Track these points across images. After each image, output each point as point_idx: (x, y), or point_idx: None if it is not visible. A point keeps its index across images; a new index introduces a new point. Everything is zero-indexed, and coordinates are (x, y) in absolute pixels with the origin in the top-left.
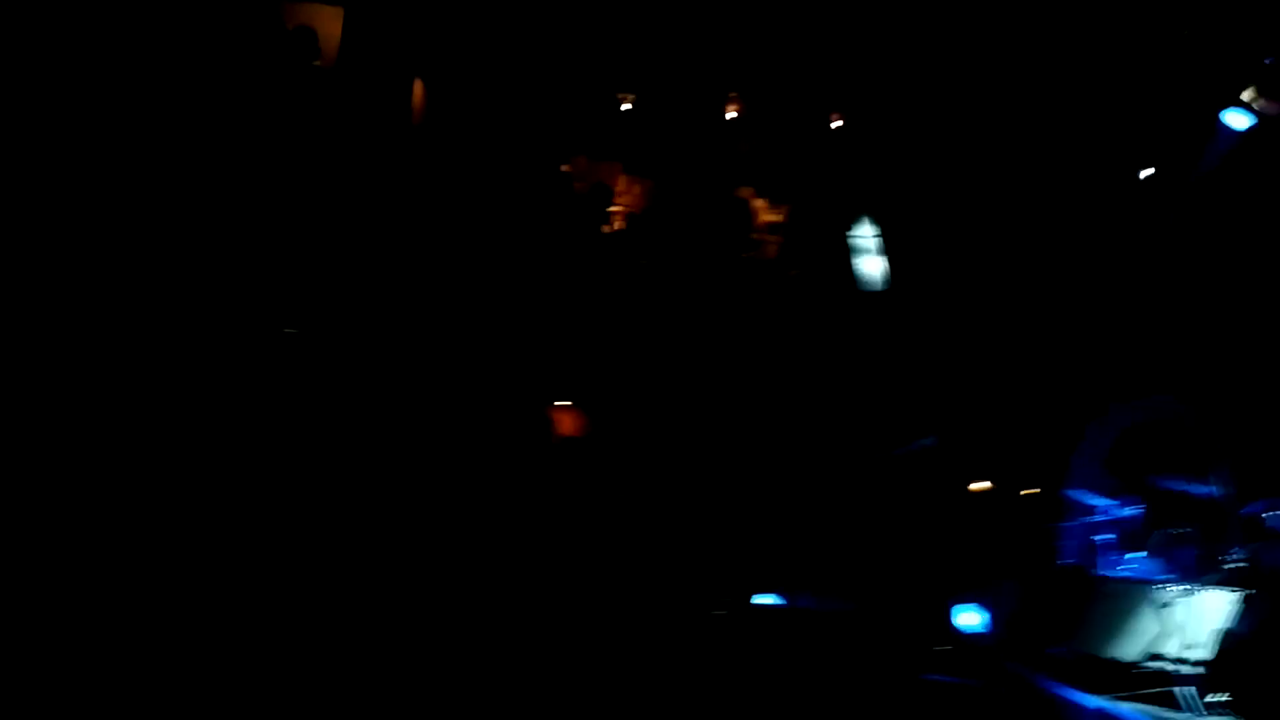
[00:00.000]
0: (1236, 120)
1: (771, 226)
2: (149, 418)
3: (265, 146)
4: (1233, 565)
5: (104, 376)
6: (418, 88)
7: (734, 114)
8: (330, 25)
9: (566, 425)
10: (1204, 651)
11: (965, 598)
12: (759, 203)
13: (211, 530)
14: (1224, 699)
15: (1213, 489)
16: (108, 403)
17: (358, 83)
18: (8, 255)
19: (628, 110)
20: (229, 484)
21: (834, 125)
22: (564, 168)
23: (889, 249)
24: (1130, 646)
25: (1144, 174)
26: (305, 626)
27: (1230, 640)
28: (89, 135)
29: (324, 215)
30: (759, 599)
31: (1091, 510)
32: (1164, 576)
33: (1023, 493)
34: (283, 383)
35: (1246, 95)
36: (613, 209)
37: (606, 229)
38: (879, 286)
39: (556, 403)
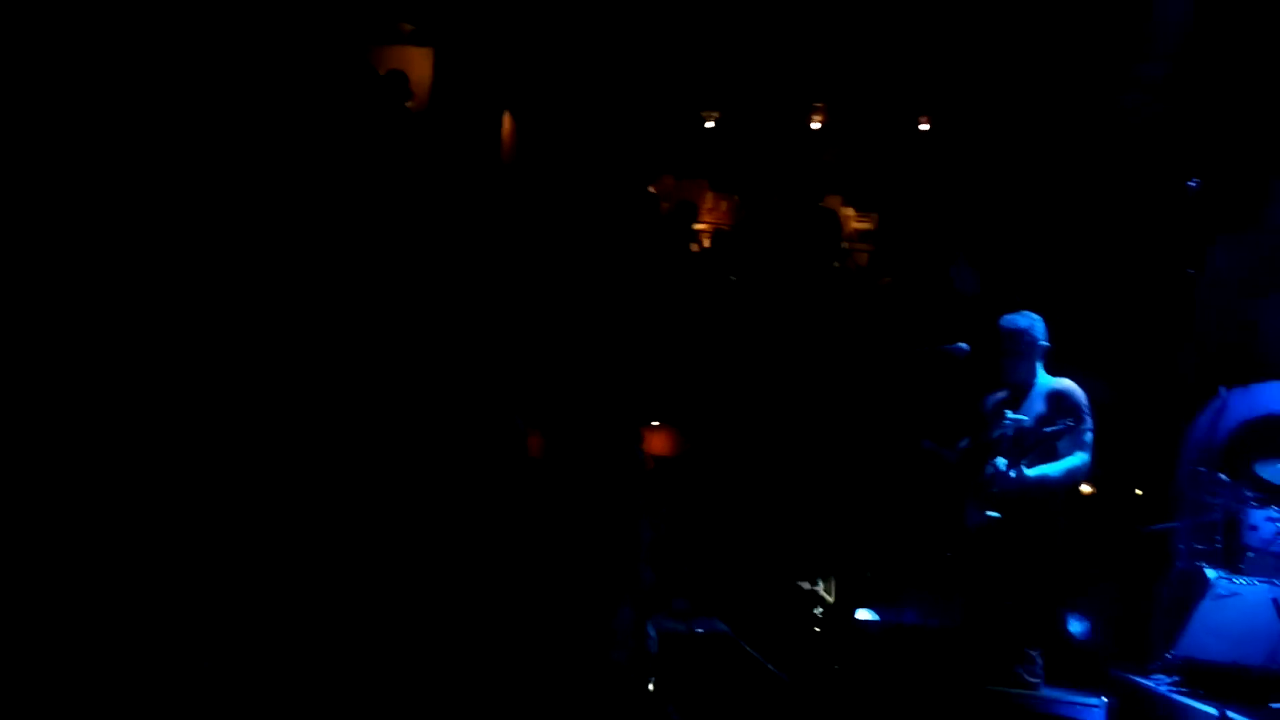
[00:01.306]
0: None
1: (862, 235)
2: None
3: (364, 191)
4: None
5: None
6: (507, 121)
7: (818, 124)
8: (421, 66)
9: (660, 445)
10: None
11: (1075, 605)
12: (847, 211)
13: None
14: None
15: None
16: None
17: (452, 121)
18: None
19: (711, 127)
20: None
21: (921, 128)
22: (651, 189)
23: (979, 251)
24: (1252, 651)
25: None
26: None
27: None
28: (182, 187)
29: (419, 254)
30: (861, 615)
31: (1206, 508)
32: None
33: (1135, 491)
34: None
35: None
36: (700, 226)
37: (695, 247)
38: (974, 290)
39: (651, 423)
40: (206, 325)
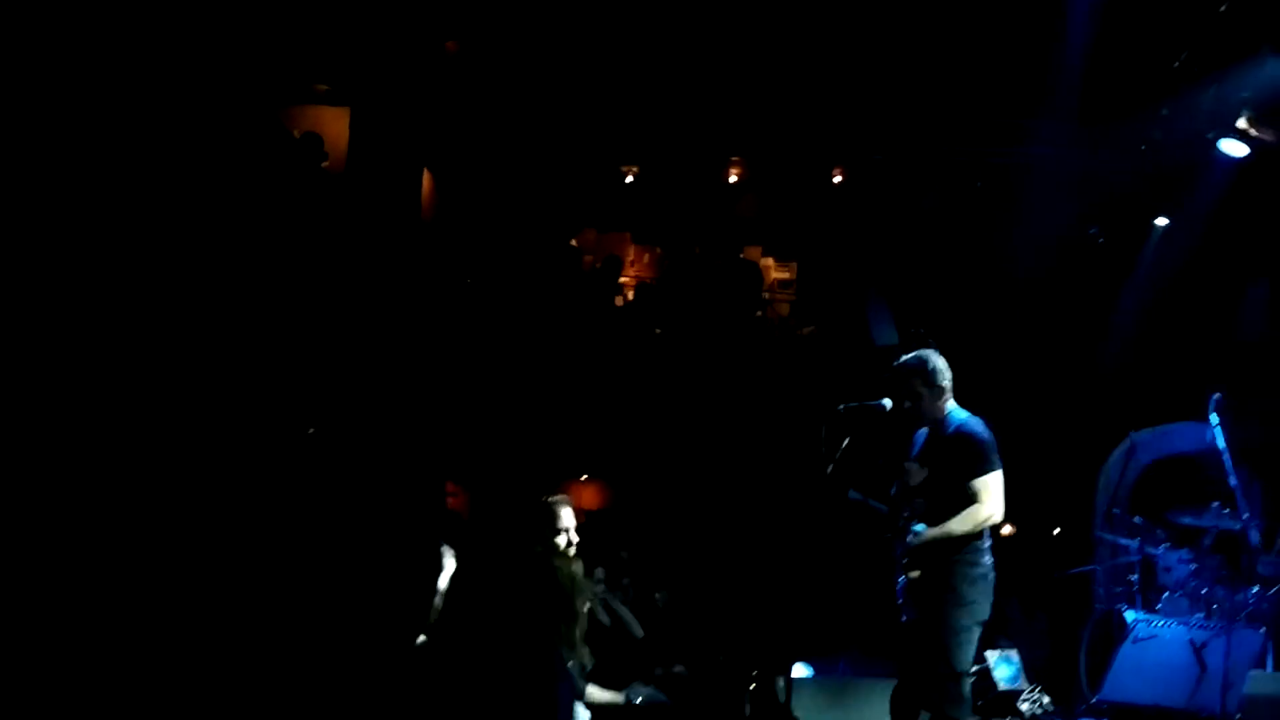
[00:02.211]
0: (1233, 148)
1: (782, 284)
2: None
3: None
4: (1262, 602)
5: None
6: (426, 179)
7: (736, 177)
8: (337, 126)
9: (589, 499)
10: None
11: (997, 647)
12: (767, 261)
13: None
14: None
15: (1239, 522)
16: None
17: (368, 179)
18: None
19: (631, 181)
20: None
21: (835, 180)
22: (573, 242)
23: (897, 301)
24: (1173, 693)
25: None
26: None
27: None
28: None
29: (341, 314)
30: (796, 670)
31: (1122, 550)
32: (1196, 617)
33: (1053, 533)
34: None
35: (1241, 123)
36: (623, 279)
37: (620, 300)
38: (892, 340)
39: (579, 477)
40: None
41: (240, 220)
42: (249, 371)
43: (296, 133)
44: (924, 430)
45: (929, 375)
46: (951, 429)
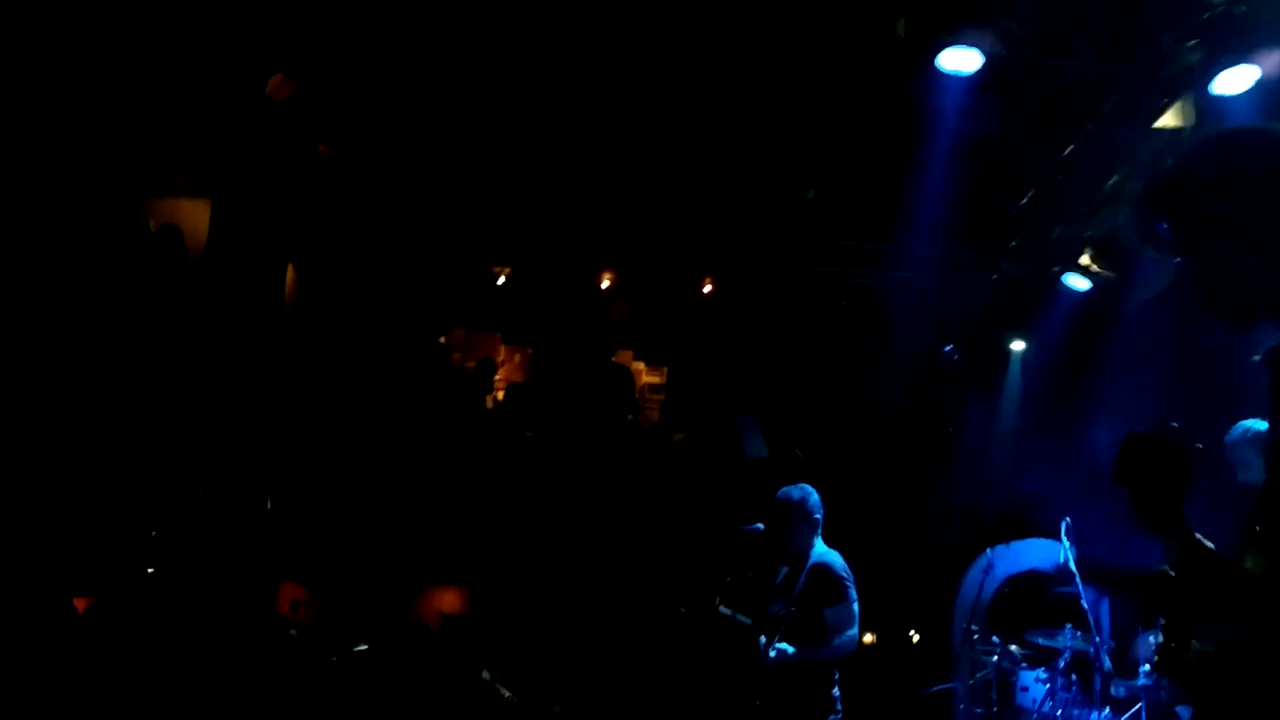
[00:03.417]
0: (1077, 282)
1: (653, 388)
2: None
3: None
4: None
5: None
6: (290, 274)
7: (608, 282)
8: (196, 218)
9: (449, 603)
10: None
11: None
12: (639, 365)
13: None
14: None
15: (1092, 645)
16: None
17: (230, 271)
18: None
19: (503, 282)
20: None
21: (706, 289)
22: (441, 339)
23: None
24: None
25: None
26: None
27: None
28: None
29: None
30: None
31: (981, 667)
32: None
33: (911, 639)
34: None
35: (1084, 259)
36: (495, 379)
37: (490, 401)
38: (763, 453)
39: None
40: None
41: (91, 309)
42: (96, 467)
43: (153, 224)
44: (783, 567)
45: (807, 510)
46: (813, 561)
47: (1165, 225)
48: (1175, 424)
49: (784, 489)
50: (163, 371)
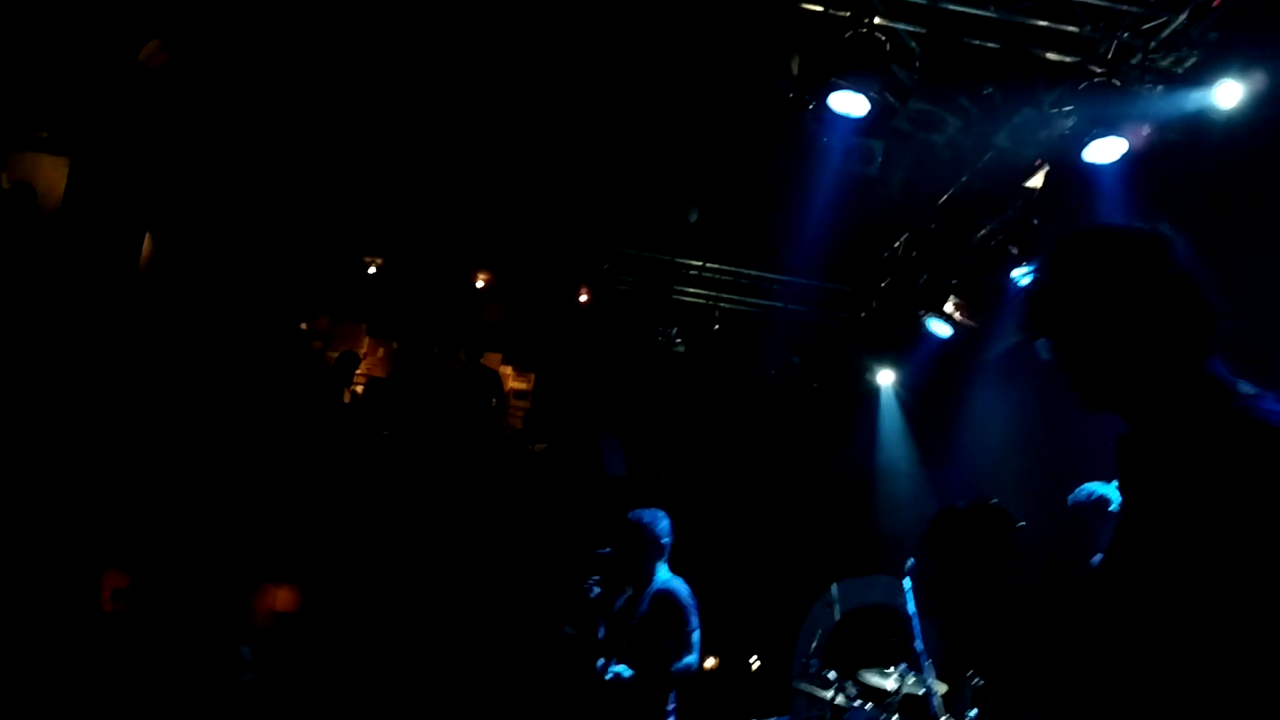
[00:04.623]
0: (940, 329)
1: (519, 394)
2: None
3: None
4: None
5: None
6: (147, 241)
7: (483, 282)
8: (54, 175)
9: (282, 601)
10: None
11: None
12: (506, 369)
13: None
14: None
15: (923, 687)
16: None
17: (83, 233)
18: None
19: (374, 273)
20: None
21: (582, 299)
22: (303, 325)
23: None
24: None
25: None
26: None
27: None
28: None
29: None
30: None
31: (816, 703)
32: None
33: (751, 666)
34: None
35: (948, 307)
36: (356, 372)
37: (347, 395)
38: (621, 472)
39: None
40: None
41: None
42: None
43: (6, 179)
44: (627, 590)
45: (655, 535)
46: (657, 586)
47: (1041, 341)
48: (995, 499)
49: (635, 511)
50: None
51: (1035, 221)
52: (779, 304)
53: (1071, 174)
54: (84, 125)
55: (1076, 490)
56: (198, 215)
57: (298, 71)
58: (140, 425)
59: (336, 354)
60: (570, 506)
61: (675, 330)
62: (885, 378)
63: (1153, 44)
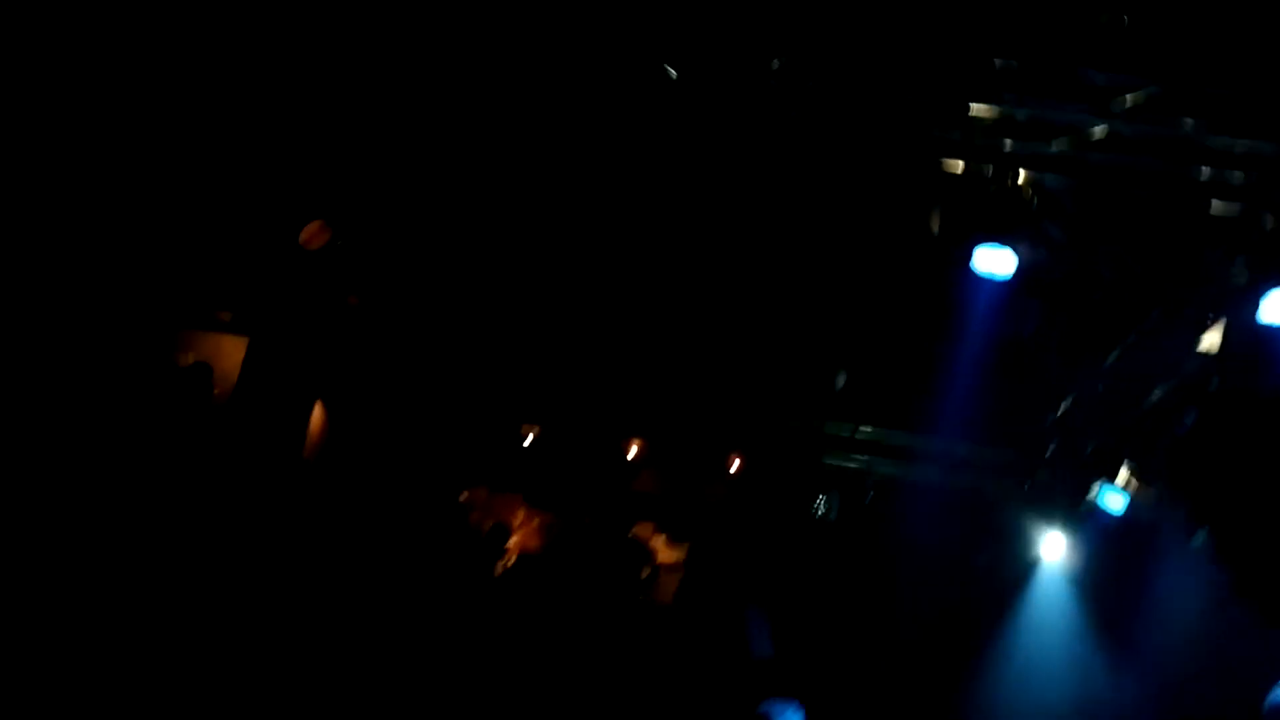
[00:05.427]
0: (1113, 501)
1: (670, 566)
2: None
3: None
4: None
5: None
6: (318, 412)
7: (635, 451)
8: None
9: None
10: None
11: None
12: (658, 540)
13: None
14: None
15: None
16: None
17: (257, 412)
18: None
19: (531, 443)
20: None
21: (733, 468)
22: (463, 497)
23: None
24: None
25: None
26: None
27: None
28: None
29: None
30: None
31: None
32: None
33: None
34: None
35: (1121, 478)
36: (508, 544)
37: (500, 567)
38: (768, 653)
39: None
40: None
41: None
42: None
43: (191, 357)
44: None
45: None
46: None
47: (1187, 506)
48: None
49: (767, 703)
50: (176, 506)
51: (1216, 381)
52: (934, 466)
53: (1250, 333)
54: (260, 306)
55: (1274, 690)
56: (363, 390)
57: (449, 243)
58: (300, 603)
59: (490, 524)
60: (711, 690)
61: (824, 499)
62: (1052, 552)
63: None
